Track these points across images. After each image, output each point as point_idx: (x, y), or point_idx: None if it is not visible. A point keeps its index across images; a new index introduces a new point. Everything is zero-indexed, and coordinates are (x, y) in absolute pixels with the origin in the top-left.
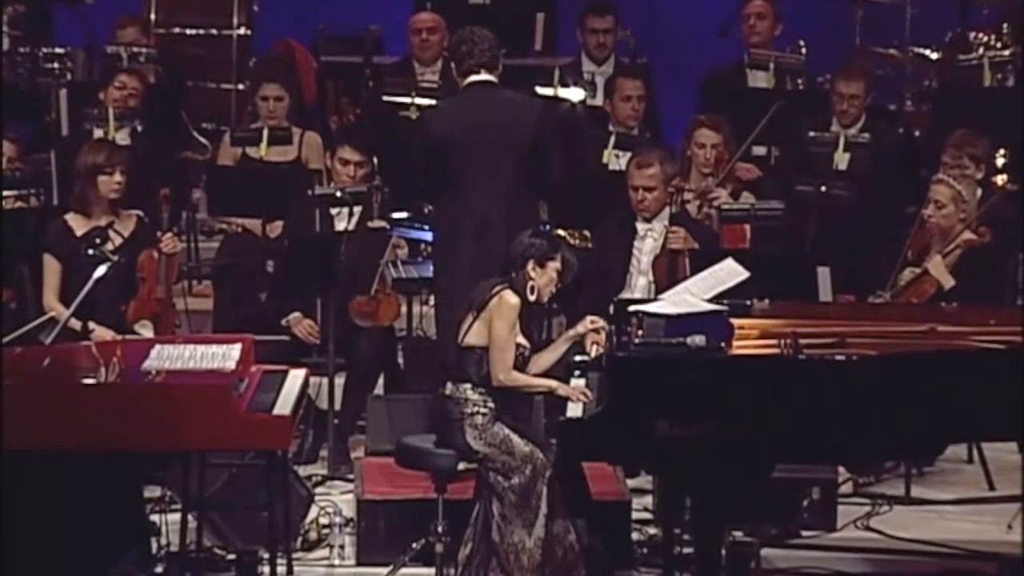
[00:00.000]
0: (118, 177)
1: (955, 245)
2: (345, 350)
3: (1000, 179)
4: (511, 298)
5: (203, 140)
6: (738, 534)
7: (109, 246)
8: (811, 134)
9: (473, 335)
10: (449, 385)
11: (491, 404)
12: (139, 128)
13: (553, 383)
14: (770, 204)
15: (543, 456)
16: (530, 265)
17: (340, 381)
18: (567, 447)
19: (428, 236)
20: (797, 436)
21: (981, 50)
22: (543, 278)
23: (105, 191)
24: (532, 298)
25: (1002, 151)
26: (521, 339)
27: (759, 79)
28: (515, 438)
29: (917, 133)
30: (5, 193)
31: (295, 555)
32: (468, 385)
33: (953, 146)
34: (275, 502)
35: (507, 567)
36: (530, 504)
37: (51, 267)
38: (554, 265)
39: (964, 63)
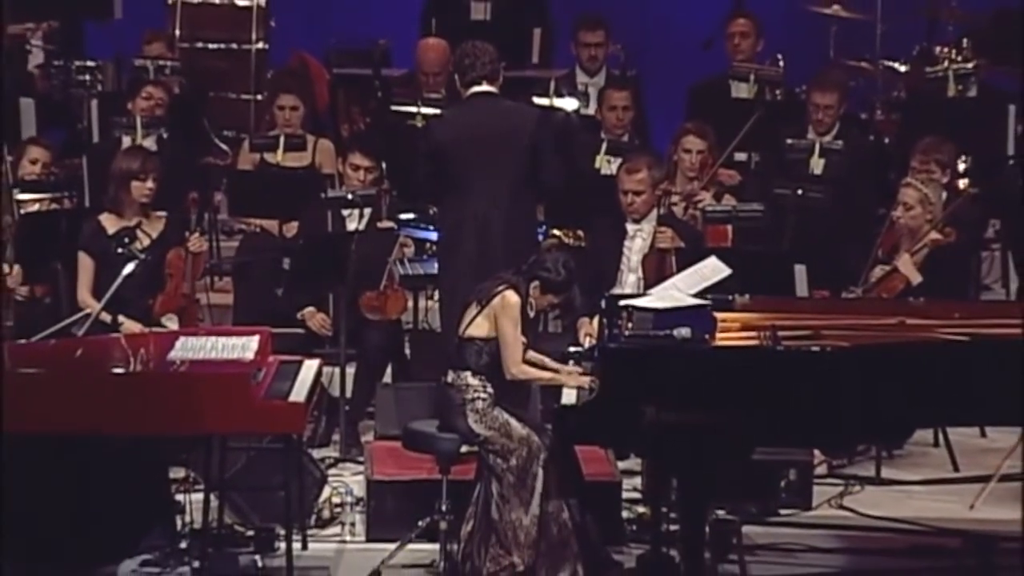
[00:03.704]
0: (150, 184)
1: (922, 244)
2: (356, 342)
3: (961, 183)
4: (513, 298)
5: (224, 146)
6: (721, 512)
7: (137, 245)
8: (789, 141)
9: (475, 327)
10: (450, 373)
11: (490, 390)
12: (164, 135)
13: (561, 376)
14: (751, 206)
15: (539, 439)
16: (535, 284)
17: (351, 370)
18: (562, 431)
19: (433, 235)
20: (776, 421)
21: (946, 63)
22: (540, 301)
23: (137, 195)
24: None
25: (963, 157)
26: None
27: (741, 90)
28: (513, 422)
29: (887, 140)
30: (41, 195)
31: (309, 532)
32: (468, 372)
33: (921, 152)
34: (291, 483)
35: (506, 543)
36: (526, 484)
37: (85, 264)
38: (552, 299)
39: (930, 75)
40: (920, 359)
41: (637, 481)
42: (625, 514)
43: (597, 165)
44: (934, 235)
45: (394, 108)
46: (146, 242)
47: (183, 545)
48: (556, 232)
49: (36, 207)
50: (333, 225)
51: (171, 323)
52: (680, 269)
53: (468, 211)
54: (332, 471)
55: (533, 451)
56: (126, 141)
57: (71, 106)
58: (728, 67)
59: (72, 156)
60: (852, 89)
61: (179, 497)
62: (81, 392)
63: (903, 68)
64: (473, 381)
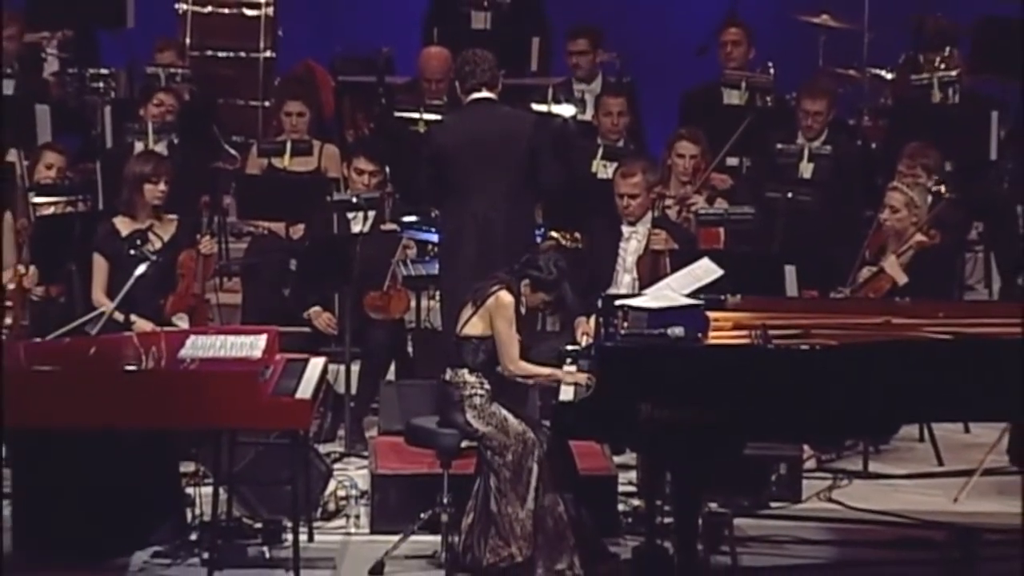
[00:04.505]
0: (162, 186)
1: (908, 246)
2: (360, 340)
3: (941, 189)
4: (507, 298)
5: (233, 152)
6: (713, 505)
7: (150, 247)
8: (779, 146)
9: (470, 326)
10: (448, 371)
11: (487, 386)
12: (175, 141)
13: (559, 373)
14: (742, 209)
15: (534, 436)
16: (526, 282)
17: (356, 368)
18: (559, 427)
19: (434, 237)
20: (766, 417)
21: (930, 71)
22: (532, 299)
23: (150, 198)
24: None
25: (944, 166)
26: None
27: (733, 97)
28: (511, 418)
29: (874, 145)
30: (56, 199)
31: (315, 524)
32: (465, 370)
33: (908, 156)
34: (297, 477)
35: (504, 534)
36: (522, 479)
37: (99, 265)
38: (543, 297)
39: (915, 82)
40: (906, 357)
41: (632, 475)
42: (621, 507)
43: (593, 169)
44: (919, 237)
45: (397, 114)
46: (158, 244)
47: (193, 537)
48: (554, 234)
49: (51, 210)
50: (338, 227)
51: (182, 322)
52: (674, 270)
53: (468, 214)
54: (337, 465)
55: (528, 447)
56: (138, 146)
57: (85, 112)
58: (720, 74)
59: (86, 161)
60: (840, 96)
61: (189, 490)
62: (95, 389)
63: (889, 75)
64: (470, 378)
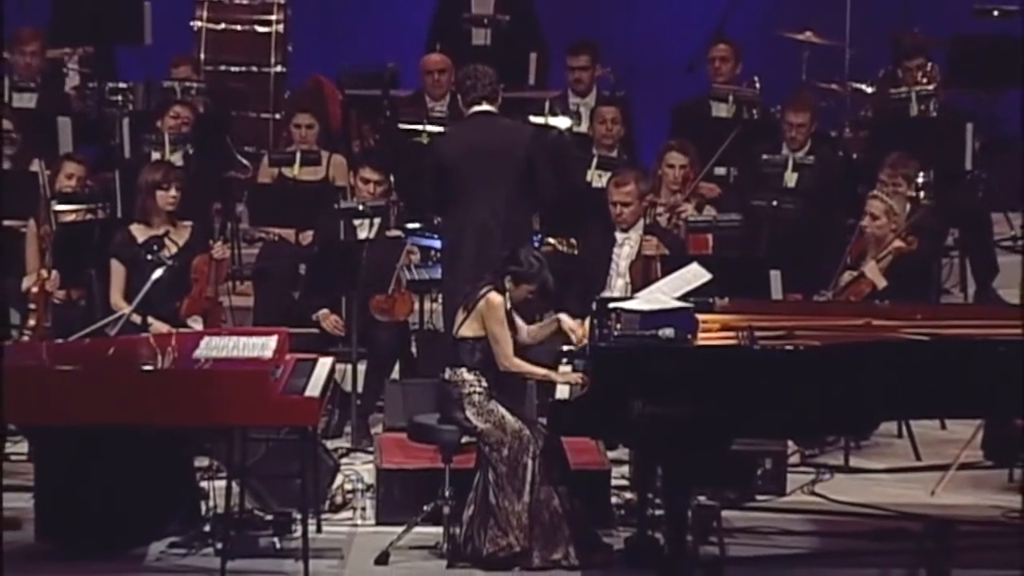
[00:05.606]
0: (173, 192)
1: (887, 251)
2: (366, 341)
3: (919, 197)
4: (496, 299)
5: (245, 162)
6: (702, 498)
7: (165, 252)
8: (764, 157)
9: (465, 328)
10: (448, 371)
11: (484, 384)
12: (190, 151)
13: (553, 373)
14: (729, 216)
15: (530, 432)
16: (508, 278)
17: (362, 368)
18: (556, 424)
19: (437, 243)
20: (752, 414)
21: (909, 85)
22: (516, 292)
23: (162, 204)
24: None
25: (922, 175)
26: (523, 325)
27: (720, 110)
28: (508, 416)
29: (855, 156)
30: (76, 207)
31: (323, 516)
32: (463, 369)
33: (890, 167)
34: (306, 471)
35: (502, 526)
36: (518, 474)
37: (116, 270)
38: (527, 288)
39: (895, 96)
40: (885, 357)
41: (625, 469)
42: (614, 500)
43: (588, 178)
44: (898, 243)
45: (401, 126)
46: (173, 249)
47: (207, 528)
48: (551, 240)
49: (72, 217)
50: (345, 234)
51: (196, 324)
52: (665, 274)
53: (469, 220)
54: (344, 460)
55: (524, 443)
56: (155, 157)
57: (104, 124)
58: (709, 89)
59: (105, 170)
60: (823, 109)
61: (203, 484)
62: (113, 387)
63: (870, 89)
64: (468, 376)
